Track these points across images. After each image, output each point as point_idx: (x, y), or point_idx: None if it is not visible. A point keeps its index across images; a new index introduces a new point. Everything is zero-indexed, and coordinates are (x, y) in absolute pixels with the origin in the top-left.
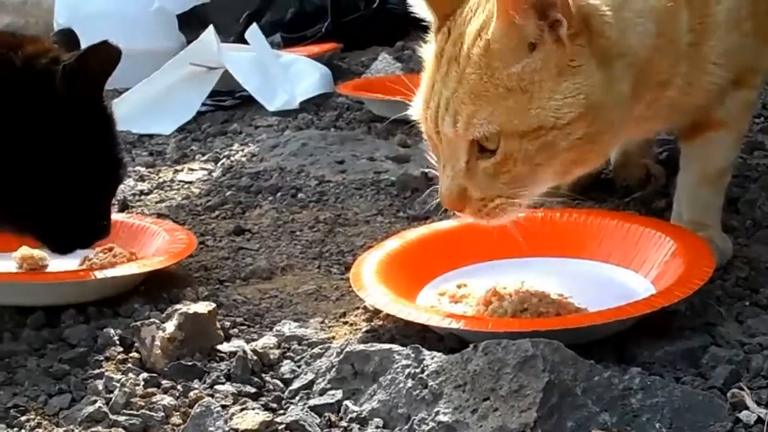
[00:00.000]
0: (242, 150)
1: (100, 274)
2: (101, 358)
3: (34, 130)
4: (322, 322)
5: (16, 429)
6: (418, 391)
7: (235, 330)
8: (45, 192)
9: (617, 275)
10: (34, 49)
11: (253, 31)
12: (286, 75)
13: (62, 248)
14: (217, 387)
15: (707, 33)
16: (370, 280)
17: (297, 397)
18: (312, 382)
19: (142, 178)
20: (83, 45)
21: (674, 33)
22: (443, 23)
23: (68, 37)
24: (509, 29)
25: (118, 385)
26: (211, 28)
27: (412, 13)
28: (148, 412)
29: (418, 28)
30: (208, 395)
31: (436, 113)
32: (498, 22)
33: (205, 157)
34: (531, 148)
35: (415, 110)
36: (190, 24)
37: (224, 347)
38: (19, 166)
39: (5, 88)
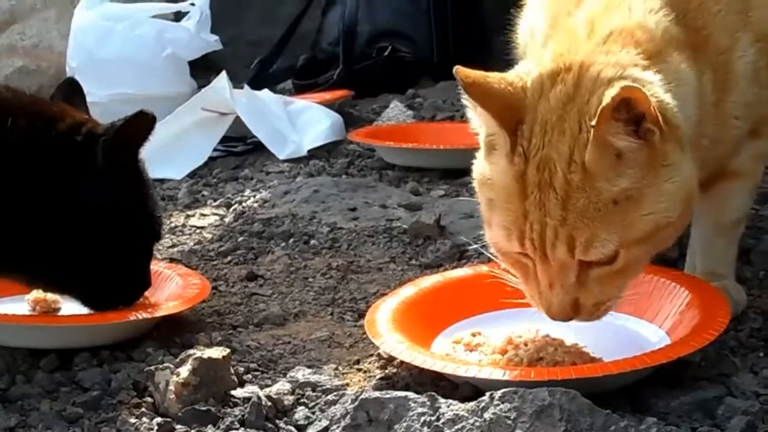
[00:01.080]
0: (254, 196)
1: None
2: (115, 401)
3: (78, 202)
4: (336, 369)
5: None
6: None
7: (249, 375)
8: (89, 259)
9: (632, 325)
10: (71, 121)
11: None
12: (294, 124)
13: (104, 307)
14: None
15: (729, 89)
16: (384, 327)
17: None
18: (326, 429)
19: None
20: (94, 88)
21: (704, 99)
22: (514, 142)
23: (72, 86)
24: (605, 148)
25: (132, 429)
26: (223, 74)
27: (423, 60)
28: None
29: (429, 75)
30: None
31: (542, 242)
32: (594, 148)
33: (216, 203)
34: (650, 249)
35: (500, 236)
36: (202, 69)
37: (238, 393)
38: (59, 238)
39: (45, 163)
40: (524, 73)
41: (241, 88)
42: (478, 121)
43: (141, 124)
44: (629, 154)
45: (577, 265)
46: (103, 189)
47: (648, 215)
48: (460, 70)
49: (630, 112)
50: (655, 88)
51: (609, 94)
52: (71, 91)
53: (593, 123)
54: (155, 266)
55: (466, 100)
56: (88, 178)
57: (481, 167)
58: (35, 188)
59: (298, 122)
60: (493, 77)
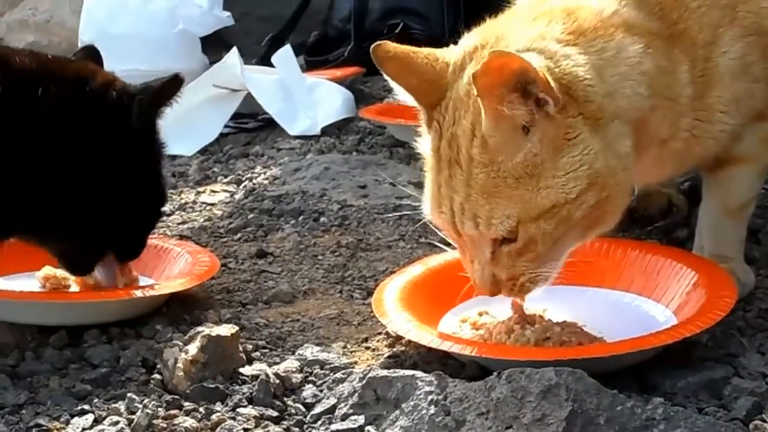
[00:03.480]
0: (264, 173)
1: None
2: (123, 379)
3: (111, 159)
4: (345, 347)
5: None
6: (440, 418)
7: (258, 353)
8: (110, 216)
9: (639, 305)
10: (102, 80)
11: (284, 53)
12: (309, 99)
13: (82, 270)
14: (240, 410)
15: (711, 84)
16: (392, 306)
17: (319, 422)
18: (334, 407)
19: None
20: (106, 64)
21: (672, 91)
22: (432, 115)
23: (91, 53)
24: (500, 121)
25: (141, 406)
26: (234, 50)
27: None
28: None
29: None
30: (230, 418)
31: (452, 218)
32: (487, 117)
33: (227, 179)
34: (548, 227)
35: (426, 210)
36: (213, 46)
37: (246, 370)
38: (83, 194)
39: (81, 119)
40: (455, 49)
41: (253, 64)
42: (403, 95)
43: (174, 88)
44: (526, 126)
45: (490, 243)
46: (134, 148)
47: (544, 190)
48: (380, 46)
49: (508, 82)
50: (566, 61)
51: (483, 60)
52: (90, 58)
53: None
54: (165, 243)
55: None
56: (122, 136)
57: (422, 140)
58: (70, 149)
59: (310, 99)
60: (420, 53)
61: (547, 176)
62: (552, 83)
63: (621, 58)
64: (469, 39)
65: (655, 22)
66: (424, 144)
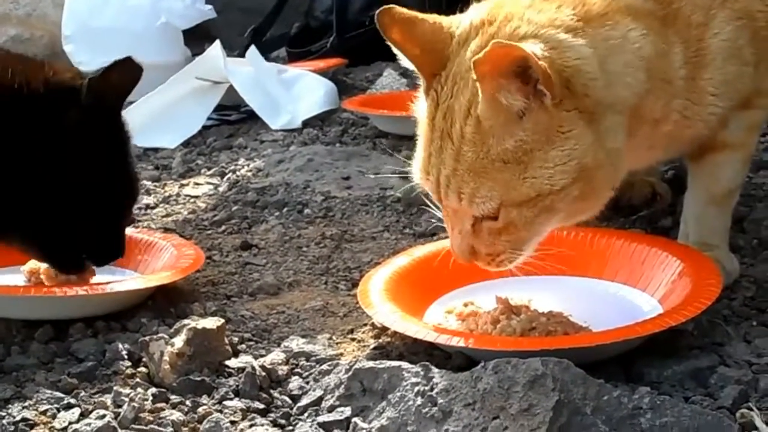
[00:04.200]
0: (248, 165)
1: (108, 289)
2: (109, 372)
3: (58, 143)
4: (330, 339)
5: None
6: (427, 409)
7: (243, 345)
8: (59, 207)
9: (624, 294)
10: (58, 66)
11: (252, 53)
12: (289, 93)
13: (69, 267)
14: (226, 403)
15: (703, 65)
16: (377, 297)
17: (305, 414)
18: (320, 399)
19: (147, 192)
20: (88, 57)
21: (667, 73)
22: (431, 84)
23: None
24: (496, 105)
25: (127, 399)
26: (217, 42)
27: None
28: (157, 427)
29: None
30: (217, 411)
31: (437, 187)
32: (484, 101)
33: (210, 172)
34: (530, 215)
35: (416, 172)
36: (196, 38)
37: (232, 363)
38: (37, 180)
39: (34, 100)
40: (462, 18)
41: (235, 56)
42: (404, 61)
43: (129, 70)
44: (520, 114)
45: (471, 216)
46: (86, 132)
47: (530, 179)
48: (386, 11)
49: (506, 73)
50: (569, 53)
51: (486, 49)
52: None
53: (474, 76)
54: (150, 236)
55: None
56: (73, 118)
57: (418, 104)
58: (24, 134)
59: (292, 91)
60: (426, 20)
61: (534, 166)
62: (552, 76)
63: (625, 44)
64: (478, 11)
65: (650, 2)
66: (420, 108)
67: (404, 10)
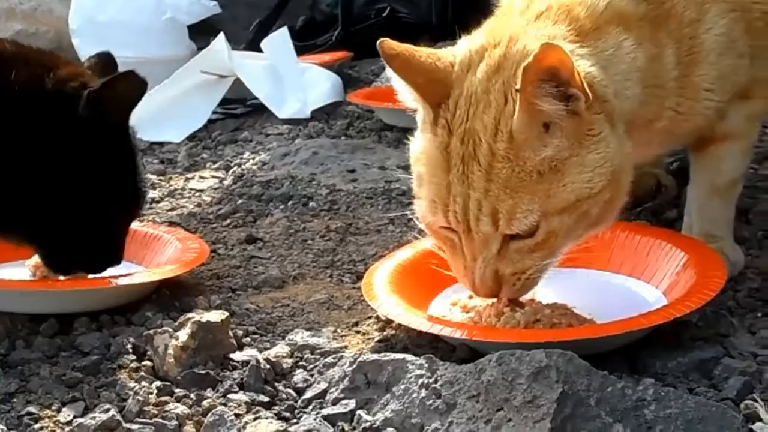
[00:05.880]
0: (253, 158)
1: (113, 283)
2: (114, 366)
3: (56, 151)
4: (335, 332)
5: None
6: (431, 401)
7: (248, 339)
8: (58, 213)
9: (629, 286)
10: (66, 72)
11: (278, 36)
12: (299, 82)
13: (63, 270)
14: (230, 396)
15: (696, 62)
16: (382, 290)
17: (310, 407)
18: (325, 392)
19: (153, 186)
20: (94, 51)
21: (660, 78)
22: (437, 113)
23: (105, 60)
24: (533, 115)
25: (132, 393)
26: (221, 36)
27: (422, 21)
28: (161, 420)
29: (428, 36)
30: (221, 404)
31: (465, 215)
32: (522, 111)
33: (215, 165)
34: (570, 221)
35: (426, 211)
36: (201, 32)
37: (237, 356)
38: (37, 185)
39: (34, 108)
40: (456, 49)
41: (241, 49)
42: (406, 94)
43: (130, 84)
44: (556, 121)
45: (500, 237)
46: (84, 143)
47: (570, 185)
48: (384, 43)
49: (555, 75)
50: (582, 61)
51: (531, 54)
52: (103, 65)
53: (517, 87)
54: (154, 230)
55: (390, 73)
56: (70, 129)
57: (416, 143)
58: (27, 137)
59: (300, 82)
60: (422, 51)
61: (572, 171)
62: (584, 82)
63: (619, 55)
64: (474, 39)
65: (642, 4)
66: (421, 143)
67: (399, 44)
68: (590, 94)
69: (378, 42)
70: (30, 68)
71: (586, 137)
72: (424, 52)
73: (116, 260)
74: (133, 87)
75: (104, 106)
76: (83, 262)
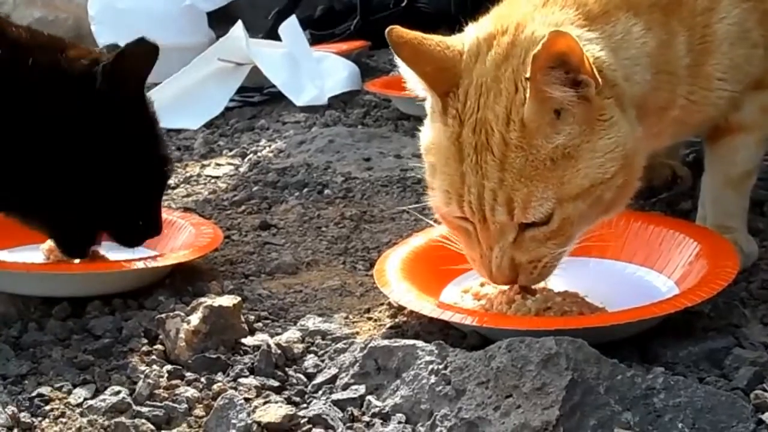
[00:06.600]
0: (269, 146)
1: (126, 266)
2: (126, 349)
3: (79, 129)
4: (347, 318)
5: (40, 418)
6: (441, 387)
7: (260, 324)
8: (78, 189)
9: (641, 275)
10: (76, 52)
11: (290, 24)
12: (317, 69)
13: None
14: (241, 380)
15: (709, 51)
16: (394, 276)
17: (320, 392)
18: (335, 377)
19: None
20: (112, 38)
21: (671, 64)
22: (446, 103)
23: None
24: (543, 102)
25: (143, 376)
26: (239, 23)
27: (440, 11)
28: (171, 403)
29: (447, 26)
30: (232, 388)
31: (480, 205)
32: (532, 99)
33: (232, 153)
34: (584, 206)
35: (440, 202)
36: (220, 20)
37: (248, 341)
38: (62, 166)
39: (54, 90)
40: (464, 36)
41: (260, 38)
42: (414, 83)
43: (142, 51)
44: (567, 107)
45: (516, 226)
46: (106, 117)
47: (583, 171)
48: (393, 31)
49: (564, 61)
50: (591, 46)
51: (539, 41)
52: None
53: (527, 75)
54: (169, 215)
55: (399, 62)
56: (91, 105)
57: (427, 133)
58: (50, 119)
59: (317, 69)
60: (430, 39)
61: (585, 157)
62: (593, 68)
63: (629, 40)
64: (482, 26)
65: None
66: (432, 134)
67: (409, 31)
68: (600, 79)
69: (387, 30)
70: (45, 52)
71: (597, 122)
72: (432, 41)
73: (155, 230)
74: (146, 53)
75: (121, 77)
76: (122, 235)
